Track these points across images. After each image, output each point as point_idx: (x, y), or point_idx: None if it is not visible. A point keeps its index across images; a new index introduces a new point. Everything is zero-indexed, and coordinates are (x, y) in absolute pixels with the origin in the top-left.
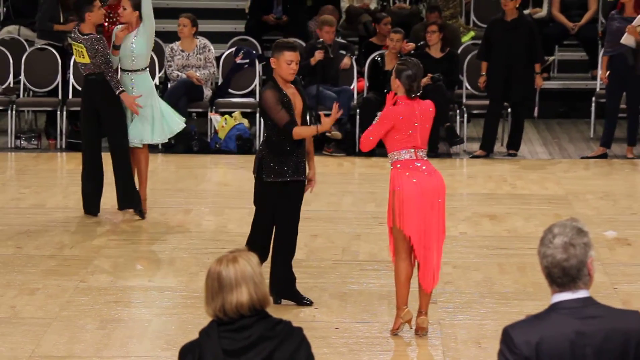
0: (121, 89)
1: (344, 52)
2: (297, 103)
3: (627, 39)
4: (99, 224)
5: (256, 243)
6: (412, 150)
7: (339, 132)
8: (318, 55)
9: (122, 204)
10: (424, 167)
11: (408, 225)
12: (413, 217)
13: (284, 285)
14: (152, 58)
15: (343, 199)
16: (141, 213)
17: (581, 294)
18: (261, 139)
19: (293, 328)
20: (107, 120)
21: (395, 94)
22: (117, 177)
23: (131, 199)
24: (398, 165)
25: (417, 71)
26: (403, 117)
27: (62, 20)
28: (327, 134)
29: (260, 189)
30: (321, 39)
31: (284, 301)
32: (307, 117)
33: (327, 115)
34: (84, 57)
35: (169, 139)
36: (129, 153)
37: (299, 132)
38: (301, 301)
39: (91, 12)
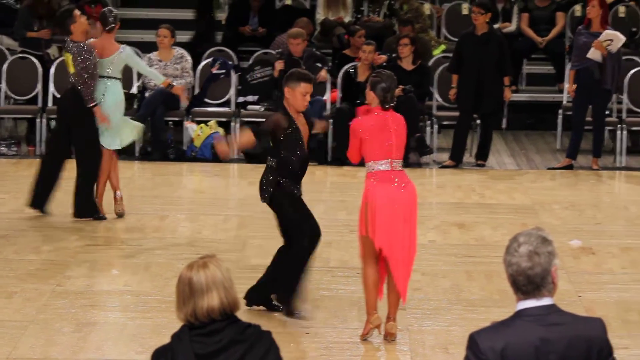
0: (95, 103)
1: (319, 65)
2: (305, 132)
3: (593, 54)
4: (76, 229)
5: (305, 233)
6: (388, 161)
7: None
8: (278, 65)
9: (80, 213)
10: (396, 180)
11: (379, 237)
12: (384, 230)
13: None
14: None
15: (315, 207)
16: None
17: (545, 301)
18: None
19: (262, 332)
20: (78, 133)
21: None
22: (80, 186)
23: (91, 208)
24: (372, 179)
25: (391, 83)
26: (374, 128)
27: (35, 29)
28: None
29: (278, 200)
30: (280, 50)
31: (256, 307)
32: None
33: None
34: (70, 67)
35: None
36: (97, 166)
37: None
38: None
39: (74, 22)
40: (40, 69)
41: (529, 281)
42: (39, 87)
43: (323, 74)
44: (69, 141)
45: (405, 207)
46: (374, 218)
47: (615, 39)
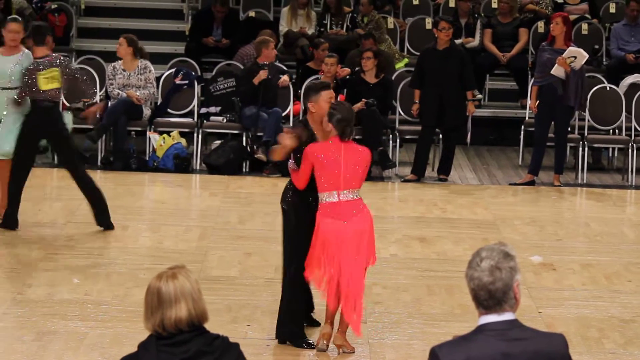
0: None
1: (282, 76)
2: None
3: (557, 70)
4: (38, 238)
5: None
6: (335, 193)
7: (263, 156)
8: (263, 74)
9: (102, 220)
10: (343, 213)
11: (328, 267)
12: (332, 261)
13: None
14: (93, 76)
15: (277, 218)
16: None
17: (507, 316)
18: (198, 158)
19: (230, 344)
20: (62, 146)
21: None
22: (91, 196)
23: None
24: (321, 212)
25: (348, 115)
26: (324, 157)
27: None
28: (255, 155)
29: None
30: (263, 62)
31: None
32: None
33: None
34: (56, 82)
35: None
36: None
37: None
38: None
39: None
40: None
41: (490, 296)
42: None
43: (285, 77)
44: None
45: (352, 240)
46: (322, 250)
47: (578, 55)
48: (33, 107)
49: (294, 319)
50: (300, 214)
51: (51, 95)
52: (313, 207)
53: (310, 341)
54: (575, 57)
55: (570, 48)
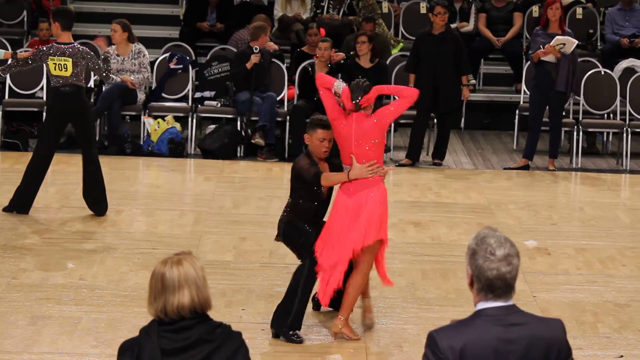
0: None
1: (276, 61)
2: None
3: (548, 56)
4: (32, 222)
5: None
6: (348, 167)
7: (261, 140)
8: (254, 58)
9: (101, 210)
10: (353, 190)
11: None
12: (332, 234)
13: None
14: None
15: (271, 203)
16: None
17: (504, 301)
18: (193, 142)
19: (232, 332)
20: (82, 132)
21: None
22: (95, 184)
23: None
24: (340, 185)
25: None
26: (340, 134)
27: None
28: (252, 140)
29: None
30: (257, 46)
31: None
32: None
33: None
34: (66, 70)
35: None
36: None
37: (328, 177)
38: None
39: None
40: None
41: (506, 284)
42: None
43: (271, 45)
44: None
45: (345, 214)
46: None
47: (567, 42)
48: (54, 93)
49: (297, 322)
50: (296, 226)
51: (64, 80)
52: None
53: (302, 336)
54: (564, 44)
55: (557, 37)
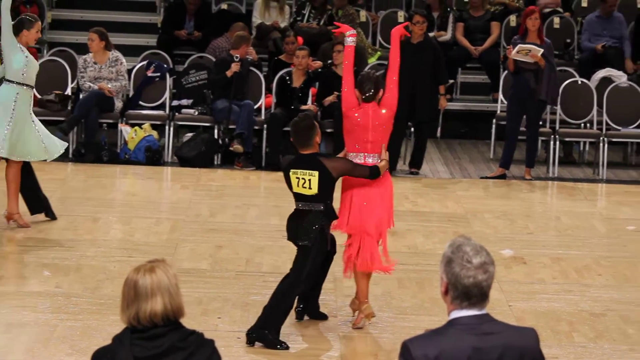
0: None
1: (253, 69)
2: None
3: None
4: (8, 230)
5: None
6: (362, 155)
7: (240, 146)
8: (235, 66)
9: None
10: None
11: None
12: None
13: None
14: (64, 68)
15: (248, 211)
16: None
17: (478, 310)
18: (170, 150)
19: (205, 340)
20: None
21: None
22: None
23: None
24: None
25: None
26: (354, 120)
27: None
28: (230, 147)
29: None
30: (237, 55)
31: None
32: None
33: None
34: None
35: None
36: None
37: (383, 167)
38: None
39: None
40: None
41: (481, 293)
42: None
43: (252, 51)
44: None
45: (360, 193)
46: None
47: (532, 49)
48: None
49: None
50: (325, 244)
51: None
52: (327, 232)
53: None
54: (529, 50)
55: (520, 45)
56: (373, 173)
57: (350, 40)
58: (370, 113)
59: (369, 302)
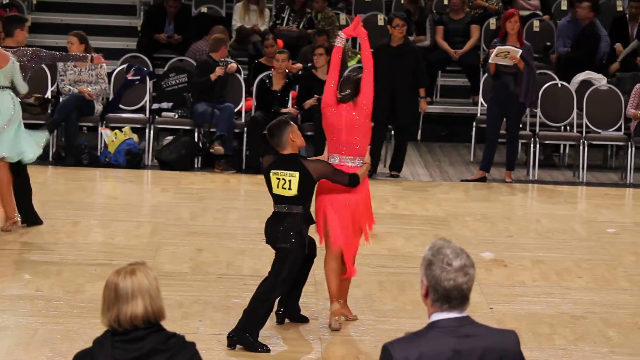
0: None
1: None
2: None
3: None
4: None
5: (279, 292)
6: (337, 156)
7: (221, 147)
8: (219, 70)
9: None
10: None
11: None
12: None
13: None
14: (44, 72)
15: (228, 214)
16: None
17: (459, 313)
18: (150, 154)
19: (186, 342)
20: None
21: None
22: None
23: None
24: None
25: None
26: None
27: None
28: (211, 149)
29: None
30: (222, 58)
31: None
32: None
33: (216, 135)
34: None
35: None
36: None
37: (362, 174)
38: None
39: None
40: None
41: (462, 295)
42: None
43: (233, 64)
44: None
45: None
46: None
47: (511, 51)
48: None
49: (257, 332)
50: (304, 246)
51: None
52: (305, 235)
53: (265, 345)
54: (508, 52)
55: (498, 47)
56: (352, 181)
57: (339, 41)
58: (343, 114)
59: (338, 301)
